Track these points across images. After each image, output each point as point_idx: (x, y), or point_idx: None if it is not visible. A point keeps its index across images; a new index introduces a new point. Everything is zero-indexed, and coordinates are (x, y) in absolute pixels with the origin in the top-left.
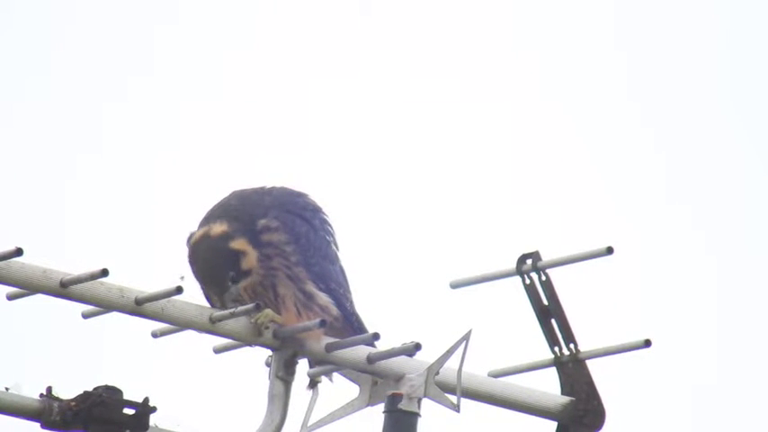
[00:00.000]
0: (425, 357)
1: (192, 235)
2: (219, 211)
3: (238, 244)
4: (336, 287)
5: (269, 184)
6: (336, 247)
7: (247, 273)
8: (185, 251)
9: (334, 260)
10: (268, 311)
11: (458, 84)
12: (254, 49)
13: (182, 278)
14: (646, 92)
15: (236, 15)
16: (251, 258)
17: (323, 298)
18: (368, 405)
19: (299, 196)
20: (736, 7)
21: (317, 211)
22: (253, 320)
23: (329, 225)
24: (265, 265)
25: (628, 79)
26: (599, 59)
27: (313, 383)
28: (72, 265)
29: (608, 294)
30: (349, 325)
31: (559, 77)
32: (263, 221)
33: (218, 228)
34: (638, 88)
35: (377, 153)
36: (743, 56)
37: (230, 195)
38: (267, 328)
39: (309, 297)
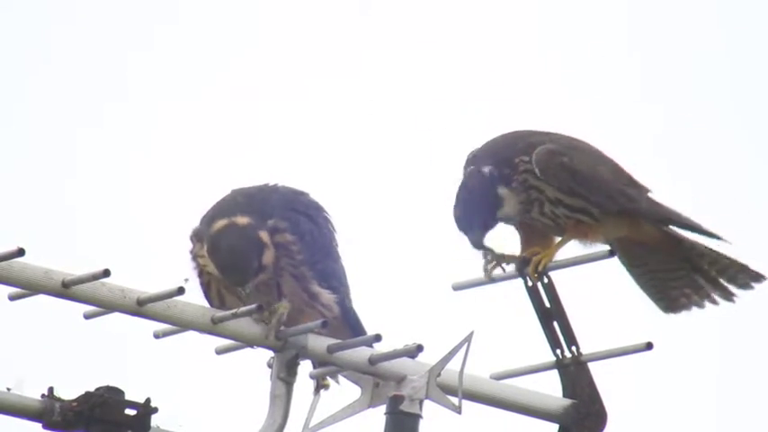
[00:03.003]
0: (427, 359)
1: (206, 227)
2: (231, 207)
3: (264, 236)
4: (338, 285)
5: (271, 182)
6: (337, 245)
7: (265, 267)
8: (198, 243)
9: (336, 258)
10: (285, 304)
11: (458, 83)
12: (253, 49)
13: (186, 280)
14: (650, 94)
15: (236, 15)
16: (270, 254)
17: (326, 296)
18: (369, 407)
19: (302, 194)
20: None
21: (319, 209)
22: (272, 318)
23: (331, 223)
24: (276, 265)
25: (631, 80)
26: (601, 58)
27: (319, 387)
28: (74, 266)
29: (610, 297)
30: (346, 322)
31: (561, 77)
32: (271, 222)
33: (243, 219)
34: (642, 89)
35: (378, 153)
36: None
37: (233, 193)
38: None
39: (313, 296)
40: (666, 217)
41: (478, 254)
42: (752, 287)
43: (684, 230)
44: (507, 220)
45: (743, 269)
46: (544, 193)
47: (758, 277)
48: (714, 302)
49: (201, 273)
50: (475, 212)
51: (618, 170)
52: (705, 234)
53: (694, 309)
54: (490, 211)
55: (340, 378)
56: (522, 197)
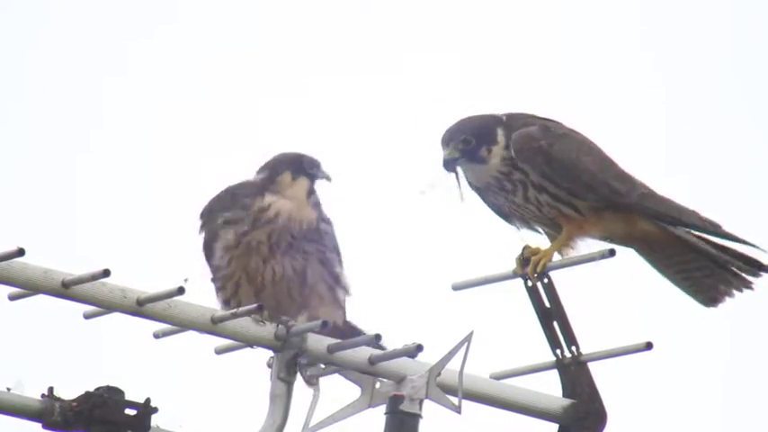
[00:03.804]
0: (427, 359)
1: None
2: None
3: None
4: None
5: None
6: None
7: (309, 191)
8: (258, 197)
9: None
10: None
11: (459, 83)
12: (253, 49)
13: (185, 280)
14: (653, 91)
15: (236, 14)
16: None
17: (345, 276)
18: (369, 406)
19: None
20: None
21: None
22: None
23: None
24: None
25: (633, 78)
26: (603, 56)
27: (311, 380)
28: (74, 266)
29: (610, 297)
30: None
31: (563, 78)
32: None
33: None
34: (644, 87)
35: (377, 153)
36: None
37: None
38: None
39: (336, 279)
40: (660, 212)
41: (445, 176)
42: (759, 275)
43: (683, 226)
44: (485, 177)
45: (742, 259)
46: (529, 176)
47: (760, 265)
48: (738, 289)
49: (229, 262)
50: (464, 131)
51: (607, 164)
52: (708, 231)
53: (726, 298)
54: (479, 141)
55: (340, 378)
56: (507, 158)
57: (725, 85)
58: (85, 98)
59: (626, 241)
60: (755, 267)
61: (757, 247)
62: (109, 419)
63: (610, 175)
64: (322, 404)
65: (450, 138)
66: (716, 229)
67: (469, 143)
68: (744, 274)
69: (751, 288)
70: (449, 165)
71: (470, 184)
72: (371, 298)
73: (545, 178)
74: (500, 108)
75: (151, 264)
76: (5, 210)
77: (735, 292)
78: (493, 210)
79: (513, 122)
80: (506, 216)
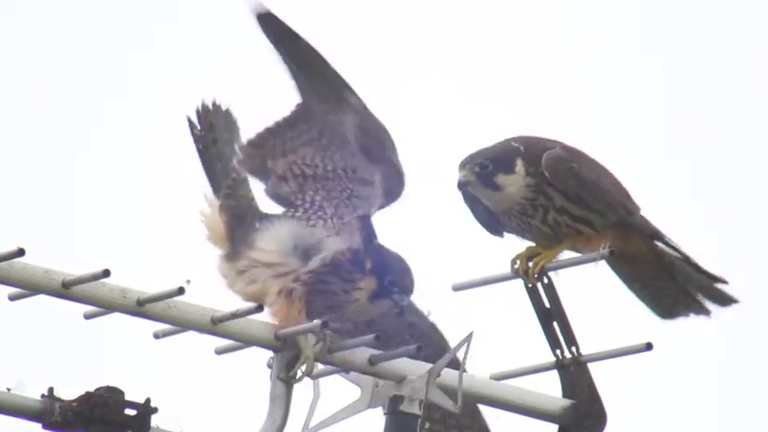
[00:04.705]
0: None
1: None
2: None
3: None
4: None
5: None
6: None
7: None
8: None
9: None
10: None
11: (459, 83)
12: (253, 48)
13: (188, 282)
14: (653, 93)
15: (235, 13)
16: None
17: None
18: (369, 407)
19: None
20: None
21: None
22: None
23: None
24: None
25: (633, 68)
26: (605, 52)
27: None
28: (74, 266)
29: (610, 297)
30: None
31: (563, 76)
32: None
33: None
34: (648, 84)
35: None
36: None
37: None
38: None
39: None
40: (656, 232)
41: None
42: (729, 305)
43: (669, 248)
44: (507, 204)
45: (716, 291)
46: (552, 200)
47: (730, 300)
48: (696, 314)
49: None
50: (482, 155)
51: (618, 183)
52: (685, 257)
53: (681, 318)
54: (496, 168)
55: (340, 378)
56: (532, 185)
57: (728, 88)
58: (86, 98)
59: (614, 257)
60: (728, 300)
61: (725, 282)
62: (109, 420)
63: (623, 195)
64: (322, 404)
65: (468, 161)
66: (686, 260)
67: (486, 167)
68: (708, 304)
69: (708, 316)
70: (461, 186)
71: (479, 206)
72: None
73: (572, 200)
74: (500, 109)
75: (151, 264)
76: (5, 210)
77: (691, 315)
78: (480, 222)
79: (530, 150)
80: (496, 229)
